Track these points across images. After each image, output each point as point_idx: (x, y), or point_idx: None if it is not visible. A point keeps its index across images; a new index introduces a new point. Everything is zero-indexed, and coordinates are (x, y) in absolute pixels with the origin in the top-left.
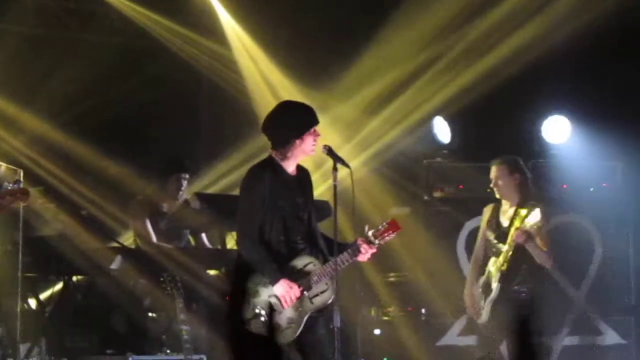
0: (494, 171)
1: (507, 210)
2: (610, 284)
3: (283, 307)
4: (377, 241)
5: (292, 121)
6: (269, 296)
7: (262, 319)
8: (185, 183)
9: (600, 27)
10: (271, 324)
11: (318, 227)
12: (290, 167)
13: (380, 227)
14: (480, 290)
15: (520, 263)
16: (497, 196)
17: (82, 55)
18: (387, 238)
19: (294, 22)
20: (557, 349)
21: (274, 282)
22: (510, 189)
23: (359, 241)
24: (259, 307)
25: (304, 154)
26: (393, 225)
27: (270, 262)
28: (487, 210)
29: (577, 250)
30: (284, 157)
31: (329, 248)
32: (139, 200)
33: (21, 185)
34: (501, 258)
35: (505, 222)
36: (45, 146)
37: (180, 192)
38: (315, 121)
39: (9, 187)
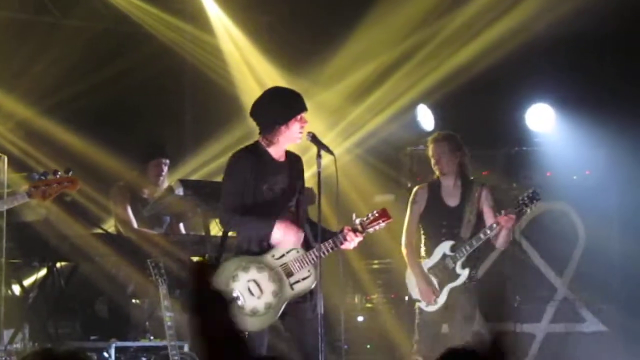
0: (435, 148)
1: (450, 190)
2: (593, 272)
3: (261, 292)
4: (365, 229)
5: (279, 107)
6: (248, 281)
7: (240, 302)
8: (165, 168)
9: (584, 14)
10: (248, 309)
11: (306, 214)
12: (277, 153)
13: (370, 215)
14: (432, 275)
15: (480, 247)
16: (439, 175)
17: (65, 40)
18: (376, 227)
19: (278, 9)
20: (540, 336)
21: (270, 229)
22: (453, 167)
23: (345, 229)
24: (237, 291)
25: (290, 141)
26: (383, 215)
27: (257, 218)
28: (422, 192)
29: (561, 238)
30: (270, 143)
31: (315, 235)
32: (119, 186)
33: (68, 174)
34: (472, 241)
35: (452, 202)
36: (28, 132)
37: (161, 178)
38: (302, 108)
39: (58, 175)
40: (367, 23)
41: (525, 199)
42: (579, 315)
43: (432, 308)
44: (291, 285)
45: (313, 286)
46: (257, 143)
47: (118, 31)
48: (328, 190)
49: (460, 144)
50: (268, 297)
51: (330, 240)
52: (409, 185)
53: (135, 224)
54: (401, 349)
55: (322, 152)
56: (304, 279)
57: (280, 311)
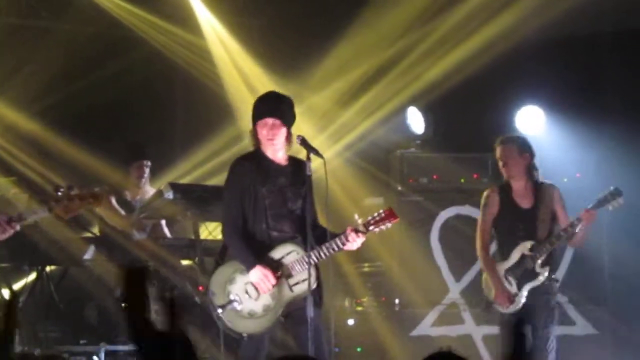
0: (502, 151)
1: (522, 192)
2: (583, 274)
3: (259, 294)
4: (370, 229)
5: (252, 111)
6: (245, 283)
7: (236, 305)
8: (147, 170)
9: (574, 17)
10: (245, 311)
11: (311, 217)
12: (275, 156)
13: (375, 214)
14: (511, 276)
15: (558, 247)
16: (508, 179)
17: (56, 44)
18: (382, 227)
19: (268, 12)
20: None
21: (248, 269)
22: (521, 169)
23: (348, 230)
24: (233, 293)
25: (266, 145)
26: (390, 215)
27: (246, 250)
28: (493, 195)
29: None
30: (259, 146)
31: (321, 238)
32: (103, 188)
33: (94, 189)
34: (552, 240)
35: (525, 204)
36: (18, 135)
37: (143, 180)
38: (261, 113)
39: (80, 191)
40: (357, 26)
41: (608, 195)
42: (570, 318)
43: (512, 309)
44: (290, 287)
45: (314, 287)
46: (257, 148)
47: (109, 35)
48: (317, 193)
49: (527, 147)
50: (266, 299)
51: (332, 242)
52: (399, 188)
53: (122, 212)
54: (392, 353)
55: (312, 156)
56: (304, 280)
57: (280, 313)
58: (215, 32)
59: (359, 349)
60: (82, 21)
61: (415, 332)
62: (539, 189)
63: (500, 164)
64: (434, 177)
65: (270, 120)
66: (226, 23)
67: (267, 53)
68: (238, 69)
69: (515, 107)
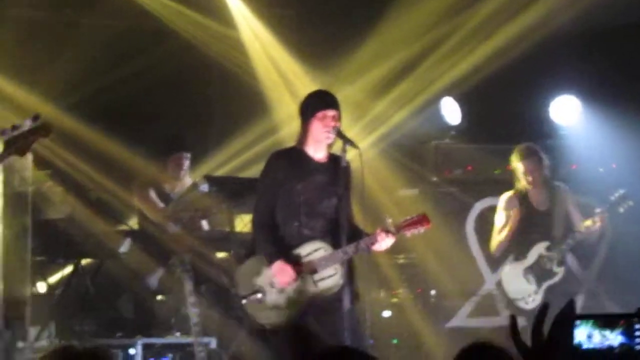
0: (527, 165)
1: (538, 195)
2: (620, 264)
3: (283, 287)
4: (400, 231)
5: (302, 108)
6: (271, 276)
7: (259, 296)
8: (187, 162)
9: (609, 6)
10: (269, 303)
11: (348, 216)
12: (316, 153)
13: (408, 218)
14: (530, 275)
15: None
16: (529, 187)
17: (87, 38)
18: (414, 231)
19: (301, 3)
20: None
21: (270, 261)
22: (542, 177)
23: (378, 231)
24: (258, 285)
25: (318, 141)
26: (423, 220)
27: (271, 243)
28: (513, 198)
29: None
30: (303, 143)
31: (353, 239)
32: (141, 181)
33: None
34: (568, 240)
35: (542, 206)
36: (52, 132)
37: (182, 172)
38: (320, 106)
39: (27, 127)
40: (391, 16)
41: (619, 199)
42: (606, 308)
43: (531, 306)
44: (315, 282)
45: (341, 284)
46: (297, 144)
47: (141, 28)
48: (353, 184)
49: (543, 153)
50: (290, 293)
51: (360, 241)
52: (434, 179)
53: (161, 205)
54: (427, 344)
55: (347, 147)
56: (330, 276)
57: (305, 308)
58: (247, 24)
59: (394, 341)
60: (113, 14)
61: (451, 324)
62: (553, 190)
63: (523, 175)
64: (469, 168)
65: (331, 112)
66: (259, 14)
67: (301, 44)
68: (271, 60)
69: (550, 97)
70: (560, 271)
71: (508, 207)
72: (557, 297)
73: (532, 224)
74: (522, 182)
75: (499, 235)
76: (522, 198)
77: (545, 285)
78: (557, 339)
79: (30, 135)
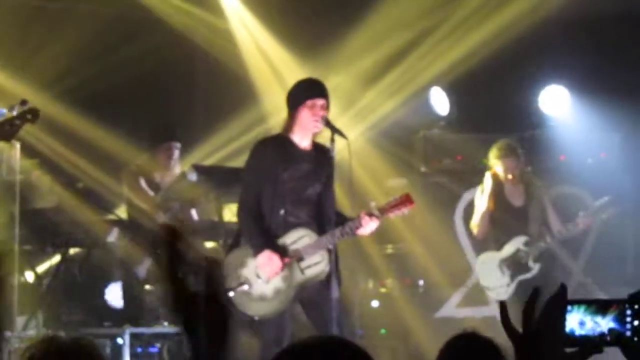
0: (508, 163)
1: (513, 190)
2: (607, 255)
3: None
4: (384, 214)
5: (290, 96)
6: (256, 267)
7: (246, 287)
8: (177, 152)
9: None
10: (256, 294)
11: (332, 204)
12: (301, 141)
13: (391, 199)
14: (505, 267)
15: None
16: (508, 184)
17: (77, 25)
18: (397, 212)
19: None
20: None
21: (256, 252)
22: (520, 173)
23: (361, 214)
24: (244, 276)
25: (305, 129)
26: (406, 200)
27: (257, 233)
28: (489, 183)
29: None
30: (289, 131)
31: (336, 224)
32: (130, 170)
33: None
34: (547, 238)
35: (517, 201)
36: (39, 118)
37: (172, 162)
38: (308, 95)
39: (14, 112)
40: (380, 6)
41: (603, 204)
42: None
43: (501, 297)
44: (302, 270)
45: (327, 270)
46: (282, 132)
47: (129, 16)
48: (340, 174)
49: (519, 150)
50: (277, 282)
51: (345, 225)
52: (422, 169)
53: (151, 193)
54: (416, 335)
55: (336, 136)
56: (316, 263)
57: (292, 296)
58: (236, 13)
59: (382, 331)
60: (102, 2)
61: (439, 314)
62: (529, 186)
63: (504, 173)
64: (458, 158)
65: (321, 101)
66: (247, 3)
67: (290, 33)
68: (260, 49)
69: (539, 86)
70: (535, 267)
71: (487, 185)
72: (528, 293)
73: (509, 219)
74: (501, 177)
75: (478, 214)
76: (497, 190)
77: (518, 279)
78: (548, 324)
79: (17, 121)
